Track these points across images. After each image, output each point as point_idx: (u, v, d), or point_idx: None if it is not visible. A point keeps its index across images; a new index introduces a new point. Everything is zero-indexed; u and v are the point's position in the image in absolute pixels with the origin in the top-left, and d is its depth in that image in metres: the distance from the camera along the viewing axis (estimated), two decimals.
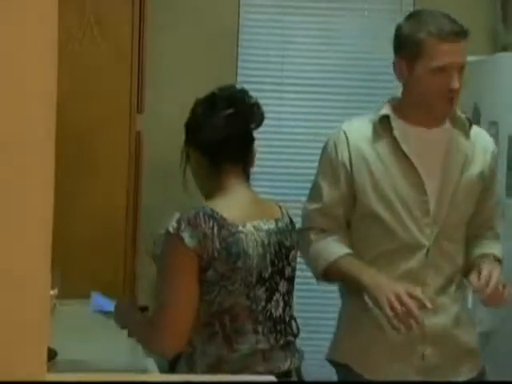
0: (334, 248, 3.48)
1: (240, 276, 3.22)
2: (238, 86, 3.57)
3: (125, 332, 3.39)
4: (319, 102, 5.13)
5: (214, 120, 3.45)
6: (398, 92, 3.44)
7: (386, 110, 3.41)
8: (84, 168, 3.56)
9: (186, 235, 3.14)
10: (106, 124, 3.66)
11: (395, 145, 3.39)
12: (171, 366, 3.39)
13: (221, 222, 3.21)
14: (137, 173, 3.76)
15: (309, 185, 3.60)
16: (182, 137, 4.47)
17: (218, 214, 3.21)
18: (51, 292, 2.30)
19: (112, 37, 3.66)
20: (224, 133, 3.39)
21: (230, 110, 3.48)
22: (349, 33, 5.19)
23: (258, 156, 3.44)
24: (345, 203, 3.47)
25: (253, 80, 4.87)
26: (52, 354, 3.11)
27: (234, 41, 4.76)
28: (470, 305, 4.20)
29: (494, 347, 4.23)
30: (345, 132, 3.44)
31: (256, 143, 3.44)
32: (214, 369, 3.25)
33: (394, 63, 3.37)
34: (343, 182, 3.42)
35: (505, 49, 4.38)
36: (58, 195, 2.07)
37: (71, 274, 3.17)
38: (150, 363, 3.41)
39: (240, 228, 3.21)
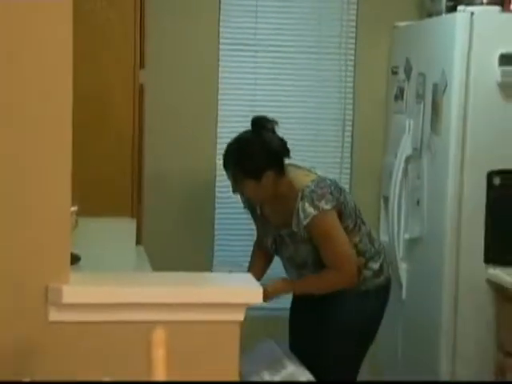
0: None
1: None
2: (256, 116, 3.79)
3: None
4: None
5: (275, 145, 3.74)
6: None
7: None
8: (96, 117, 3.52)
9: None
10: (114, 78, 3.65)
11: None
12: None
13: None
14: (140, 118, 3.77)
15: None
16: (178, 88, 4.51)
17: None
18: (72, 208, 2.34)
19: (118, 4, 3.64)
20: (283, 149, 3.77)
21: (271, 133, 3.75)
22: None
23: None
24: None
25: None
26: (76, 259, 3.15)
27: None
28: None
29: (420, 251, 4.26)
30: None
31: None
32: None
33: None
34: None
35: (430, 15, 4.44)
36: (75, 141, 2.13)
37: (88, 198, 3.18)
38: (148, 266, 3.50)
39: None
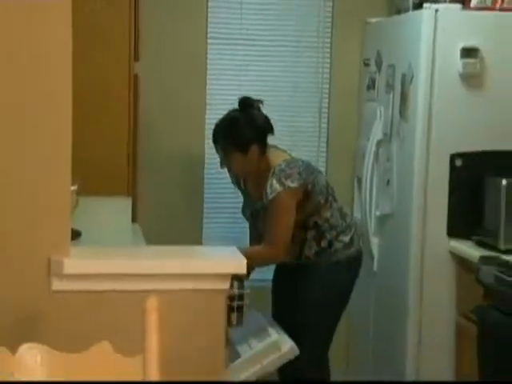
0: None
1: None
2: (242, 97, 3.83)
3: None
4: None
5: (260, 121, 3.77)
6: None
7: None
8: (95, 104, 3.50)
9: None
10: (112, 70, 3.64)
11: None
12: None
13: None
14: (135, 105, 3.76)
15: None
16: (169, 78, 4.49)
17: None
18: (72, 187, 2.34)
19: (115, 4, 3.62)
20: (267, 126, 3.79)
21: (256, 111, 3.78)
22: None
23: None
24: None
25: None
26: (77, 234, 3.15)
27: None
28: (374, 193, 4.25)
29: (390, 226, 4.29)
30: None
31: None
32: None
33: None
34: None
35: (398, 12, 4.43)
36: (75, 126, 2.13)
37: (88, 179, 3.17)
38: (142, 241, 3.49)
39: None
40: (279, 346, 3.51)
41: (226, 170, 3.92)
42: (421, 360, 4.04)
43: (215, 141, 3.83)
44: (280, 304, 4.01)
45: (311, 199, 3.76)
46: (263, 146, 3.77)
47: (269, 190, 3.66)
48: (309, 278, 3.84)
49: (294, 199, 3.70)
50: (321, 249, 3.82)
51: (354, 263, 3.92)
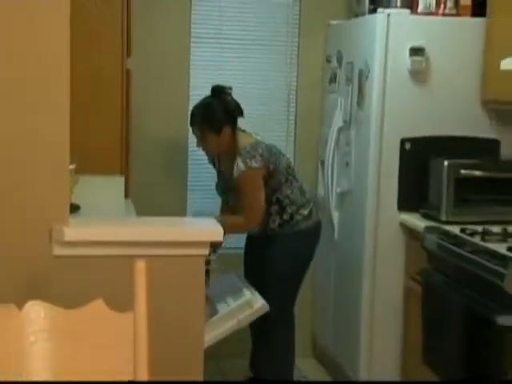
0: None
1: None
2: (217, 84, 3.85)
3: None
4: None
5: (231, 106, 3.78)
6: None
7: None
8: (92, 95, 3.46)
9: None
10: (106, 64, 3.60)
11: None
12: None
13: None
14: (128, 95, 3.73)
15: None
16: (157, 71, 4.46)
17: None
18: (71, 166, 2.33)
19: (109, 4, 3.59)
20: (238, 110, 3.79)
21: (228, 97, 3.80)
22: None
23: None
24: None
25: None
26: (76, 208, 3.12)
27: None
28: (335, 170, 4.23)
29: (349, 202, 4.30)
30: None
31: None
32: None
33: None
34: None
35: (356, 16, 4.43)
36: (74, 114, 2.11)
37: (85, 159, 3.16)
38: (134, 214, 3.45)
39: None
40: (252, 303, 3.54)
41: (201, 149, 3.95)
42: (374, 315, 4.08)
43: (192, 123, 3.87)
44: (251, 268, 4.03)
45: (273, 178, 3.80)
46: (234, 127, 3.80)
47: (235, 169, 3.70)
48: (275, 246, 3.87)
49: (257, 177, 3.73)
50: (283, 221, 3.85)
51: (314, 232, 3.96)
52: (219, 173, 4.02)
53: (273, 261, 3.88)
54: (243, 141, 3.79)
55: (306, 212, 3.89)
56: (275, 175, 3.80)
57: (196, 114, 3.84)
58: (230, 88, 3.84)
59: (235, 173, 3.70)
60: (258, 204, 3.74)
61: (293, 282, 3.96)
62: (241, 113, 3.84)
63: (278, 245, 3.86)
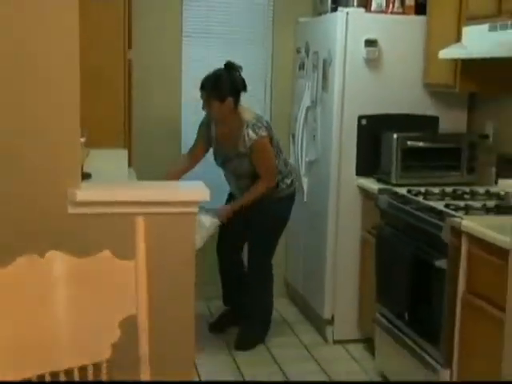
0: None
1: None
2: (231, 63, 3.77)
3: None
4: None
5: (238, 80, 3.71)
6: None
7: None
8: (99, 82, 3.38)
9: None
10: (110, 55, 3.55)
11: None
12: None
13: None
14: (129, 82, 3.69)
15: None
16: (154, 62, 4.42)
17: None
18: (81, 139, 2.32)
19: (113, 3, 3.54)
20: (242, 85, 3.72)
21: (237, 73, 3.73)
22: None
23: None
24: None
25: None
26: (88, 176, 3.10)
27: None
28: (305, 143, 4.23)
29: (316, 169, 4.30)
30: None
31: None
32: None
33: None
34: None
35: (320, 14, 4.41)
36: (84, 97, 2.10)
37: (94, 134, 3.14)
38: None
39: None
40: (205, 223, 3.59)
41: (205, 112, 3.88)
42: (336, 261, 4.11)
43: (202, 88, 3.81)
44: (237, 227, 4.01)
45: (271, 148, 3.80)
46: (237, 100, 3.77)
47: (247, 139, 3.68)
48: (260, 209, 3.86)
49: (268, 143, 3.75)
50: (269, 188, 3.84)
51: (292, 198, 3.99)
52: (217, 146, 3.97)
53: (258, 221, 3.88)
54: (248, 114, 3.78)
55: (288, 181, 3.92)
56: (272, 146, 3.81)
57: (206, 81, 3.78)
58: (241, 67, 3.80)
59: (247, 142, 3.67)
60: (273, 166, 3.77)
61: (273, 240, 3.98)
62: (244, 88, 3.80)
63: (263, 208, 3.86)
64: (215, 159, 4.01)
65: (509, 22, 3.05)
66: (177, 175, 3.94)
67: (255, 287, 4.01)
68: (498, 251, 2.62)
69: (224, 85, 3.73)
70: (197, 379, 3.50)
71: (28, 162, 2.07)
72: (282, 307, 4.67)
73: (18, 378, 1.68)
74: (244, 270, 4.07)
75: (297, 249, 4.68)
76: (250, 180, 3.84)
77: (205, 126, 4.00)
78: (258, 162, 3.75)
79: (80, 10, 2.08)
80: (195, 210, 2.23)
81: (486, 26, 3.23)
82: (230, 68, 3.78)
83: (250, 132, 3.67)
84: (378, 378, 3.65)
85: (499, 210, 3.04)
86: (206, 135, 3.98)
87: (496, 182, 3.56)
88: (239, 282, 4.08)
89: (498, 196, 3.36)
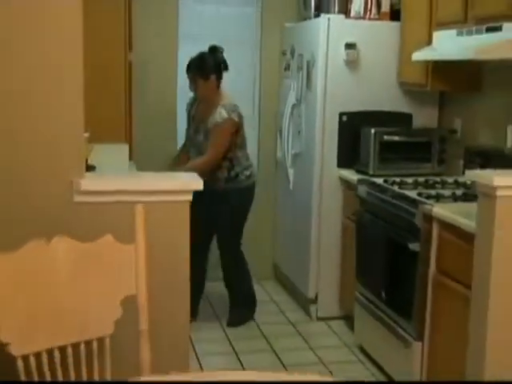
0: None
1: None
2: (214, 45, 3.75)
3: None
4: None
5: (220, 60, 3.67)
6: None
7: None
8: (102, 81, 3.41)
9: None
10: (112, 57, 3.55)
11: None
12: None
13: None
14: (130, 81, 3.70)
15: None
16: (152, 63, 4.38)
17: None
18: (85, 134, 2.31)
19: (114, 9, 3.53)
20: (224, 64, 3.66)
21: (219, 54, 3.68)
22: None
23: None
24: None
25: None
26: (92, 168, 3.10)
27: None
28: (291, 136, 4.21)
29: (301, 161, 4.30)
30: None
31: None
32: None
33: None
34: None
35: (304, 19, 4.40)
36: (88, 95, 2.09)
37: (97, 130, 3.14)
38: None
39: None
40: None
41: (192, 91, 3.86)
42: (320, 245, 4.12)
43: (188, 69, 3.81)
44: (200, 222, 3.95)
45: (236, 138, 3.77)
46: (219, 78, 3.76)
47: (218, 116, 3.66)
48: (222, 200, 3.82)
49: (232, 128, 3.71)
50: (229, 177, 3.81)
51: (252, 190, 3.93)
52: (191, 119, 3.93)
53: (222, 215, 3.84)
54: (228, 97, 3.77)
55: (248, 173, 3.89)
56: (237, 137, 3.79)
57: (192, 62, 3.80)
58: (222, 49, 3.80)
59: (217, 118, 3.65)
60: (222, 148, 3.70)
61: (239, 228, 3.93)
62: (226, 67, 3.80)
63: (224, 199, 3.82)
64: (186, 134, 3.97)
65: (474, 28, 3.08)
66: (186, 159, 3.94)
67: (232, 274, 4.00)
68: (465, 235, 2.64)
69: (207, 64, 3.76)
70: (192, 354, 3.51)
71: (37, 154, 2.07)
72: (270, 288, 4.69)
73: (30, 352, 1.69)
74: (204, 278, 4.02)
75: (283, 234, 4.69)
76: None
77: (189, 106, 3.99)
78: (213, 136, 3.70)
79: (84, 18, 2.08)
80: (190, 198, 2.23)
81: (454, 31, 3.25)
82: (214, 50, 3.80)
83: (223, 111, 3.67)
84: (356, 351, 3.67)
85: (466, 197, 3.07)
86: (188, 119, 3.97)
87: (463, 173, 3.57)
88: (200, 289, 4.02)
89: (465, 185, 3.39)
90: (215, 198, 3.78)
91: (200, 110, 3.87)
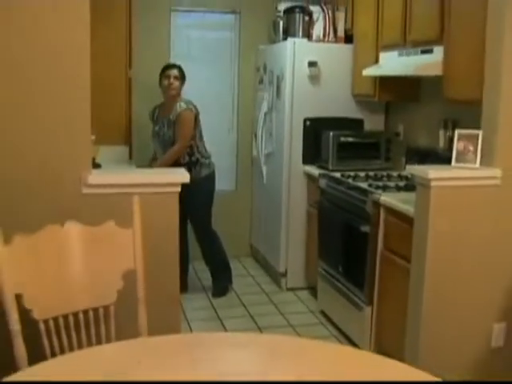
0: None
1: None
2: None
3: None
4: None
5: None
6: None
7: None
8: (105, 95, 3.36)
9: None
10: (115, 74, 3.55)
11: None
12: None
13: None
14: (129, 94, 3.67)
15: None
16: (149, 79, 4.35)
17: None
18: (92, 137, 2.29)
19: (115, 29, 3.48)
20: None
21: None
22: None
23: None
24: None
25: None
26: (98, 166, 3.09)
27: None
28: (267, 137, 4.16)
29: (272, 159, 4.29)
30: None
31: None
32: None
33: None
34: None
35: (274, 42, 4.38)
36: (94, 105, 2.08)
37: (101, 134, 3.11)
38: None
39: None
40: None
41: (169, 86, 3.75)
42: (289, 228, 4.10)
43: (176, 67, 3.81)
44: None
45: (195, 128, 3.73)
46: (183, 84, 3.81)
47: (178, 108, 3.66)
48: (193, 189, 3.68)
49: (192, 116, 3.68)
50: (190, 162, 3.73)
51: (213, 176, 3.88)
52: (155, 120, 3.87)
53: (193, 200, 3.71)
54: (185, 98, 3.77)
55: (207, 162, 3.83)
56: (196, 127, 3.76)
57: (177, 66, 3.83)
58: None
59: (178, 110, 3.64)
60: (188, 136, 3.67)
61: (208, 210, 3.87)
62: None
63: (193, 188, 3.65)
64: (152, 134, 3.89)
65: (411, 50, 3.12)
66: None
67: (208, 251, 3.96)
68: (406, 218, 2.68)
69: (184, 72, 3.82)
70: (184, 320, 3.51)
71: (50, 153, 2.06)
72: (247, 264, 4.68)
73: (49, 316, 1.69)
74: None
75: (258, 219, 4.68)
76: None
77: (151, 113, 3.94)
78: (179, 126, 3.69)
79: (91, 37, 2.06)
80: (178, 189, 2.23)
81: (395, 53, 3.29)
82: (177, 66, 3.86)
83: (182, 104, 3.68)
84: (319, 315, 3.70)
85: (407, 188, 3.10)
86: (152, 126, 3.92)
87: (405, 168, 3.60)
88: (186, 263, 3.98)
89: (406, 178, 3.42)
90: (187, 191, 3.73)
91: (162, 110, 3.85)
